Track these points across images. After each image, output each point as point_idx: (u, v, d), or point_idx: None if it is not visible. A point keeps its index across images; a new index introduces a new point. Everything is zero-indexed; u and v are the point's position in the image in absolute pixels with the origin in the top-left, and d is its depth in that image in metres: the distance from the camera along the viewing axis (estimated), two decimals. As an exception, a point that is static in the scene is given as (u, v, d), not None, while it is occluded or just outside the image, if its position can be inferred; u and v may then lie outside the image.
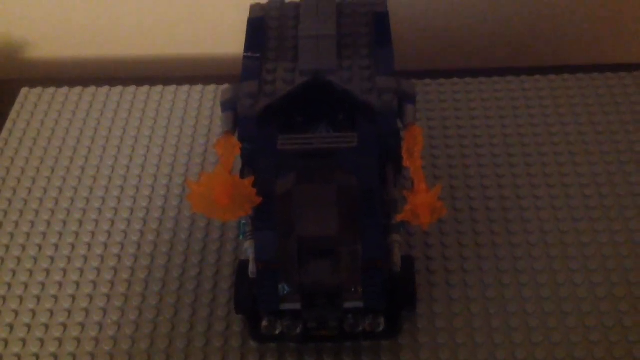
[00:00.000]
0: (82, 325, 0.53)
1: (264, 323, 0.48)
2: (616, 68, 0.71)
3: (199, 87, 0.71)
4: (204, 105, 0.69)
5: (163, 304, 0.54)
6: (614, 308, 0.52)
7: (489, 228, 0.58)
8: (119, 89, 0.71)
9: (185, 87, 0.71)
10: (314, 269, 0.44)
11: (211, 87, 0.71)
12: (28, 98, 0.71)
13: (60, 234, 0.59)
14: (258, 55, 0.52)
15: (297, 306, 0.46)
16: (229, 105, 0.49)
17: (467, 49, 0.81)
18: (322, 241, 0.44)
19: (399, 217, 0.44)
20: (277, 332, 0.48)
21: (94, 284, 0.56)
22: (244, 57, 0.52)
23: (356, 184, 0.46)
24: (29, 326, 0.53)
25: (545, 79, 0.70)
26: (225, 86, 0.58)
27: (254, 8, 0.56)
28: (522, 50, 0.81)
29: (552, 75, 0.70)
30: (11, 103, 0.70)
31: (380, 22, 0.54)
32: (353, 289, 0.46)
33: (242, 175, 0.49)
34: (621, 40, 0.81)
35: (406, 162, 0.45)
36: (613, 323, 0.52)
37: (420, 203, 0.43)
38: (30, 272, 0.56)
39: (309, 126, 0.50)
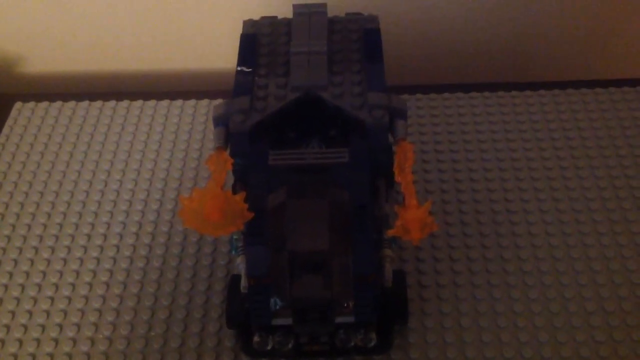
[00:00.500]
0: (74, 340, 0.53)
1: (256, 338, 0.48)
2: (605, 84, 0.71)
3: (192, 102, 0.71)
4: (197, 120, 0.70)
5: (154, 318, 0.54)
6: (604, 322, 0.53)
7: (481, 242, 0.58)
8: (112, 103, 0.72)
9: (179, 102, 0.71)
10: (305, 284, 0.44)
11: (204, 102, 0.71)
12: (21, 112, 0.71)
13: (53, 249, 0.59)
14: (250, 70, 0.52)
15: (288, 321, 0.46)
16: (221, 121, 0.49)
17: (459, 64, 0.81)
18: (313, 256, 0.44)
19: (390, 232, 0.44)
20: (269, 347, 0.48)
21: (86, 298, 0.55)
22: (237, 72, 0.52)
23: (348, 199, 0.46)
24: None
25: (536, 95, 0.70)
26: (218, 102, 0.59)
27: (246, 24, 0.57)
28: (512, 66, 0.82)
29: (543, 91, 0.71)
30: (4, 118, 0.70)
31: (372, 38, 0.54)
32: (345, 304, 0.46)
33: (234, 190, 0.49)
34: (611, 57, 0.82)
35: (397, 178, 0.46)
36: (604, 338, 0.52)
37: (411, 218, 0.43)
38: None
39: (301, 142, 0.50)
